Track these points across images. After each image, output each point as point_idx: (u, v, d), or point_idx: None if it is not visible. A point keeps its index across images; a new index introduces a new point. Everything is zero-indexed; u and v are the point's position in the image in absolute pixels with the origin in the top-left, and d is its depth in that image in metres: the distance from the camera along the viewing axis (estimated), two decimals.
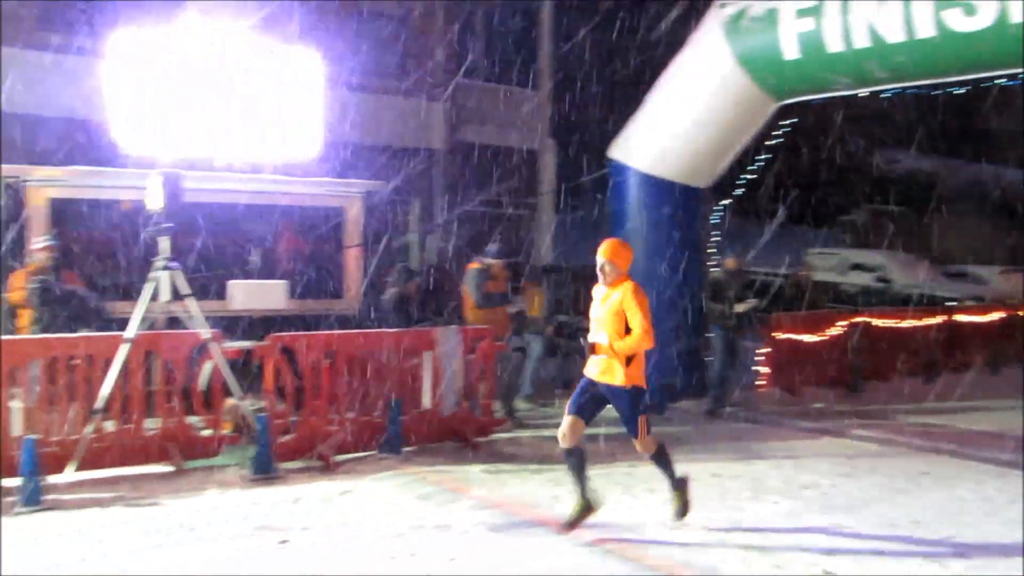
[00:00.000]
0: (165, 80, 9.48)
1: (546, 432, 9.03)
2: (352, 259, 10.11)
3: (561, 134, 18.21)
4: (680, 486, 6.00)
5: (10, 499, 6.21)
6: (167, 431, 7.16)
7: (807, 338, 11.35)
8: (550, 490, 6.82)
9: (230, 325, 8.26)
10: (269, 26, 11.55)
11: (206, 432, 7.39)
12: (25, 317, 8.09)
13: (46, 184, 8.92)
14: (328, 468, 7.31)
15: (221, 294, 8.91)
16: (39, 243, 8.26)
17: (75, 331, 7.57)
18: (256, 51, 10.01)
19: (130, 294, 7.68)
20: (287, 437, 7.41)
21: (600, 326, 5.77)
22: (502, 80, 17.57)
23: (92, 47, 11.11)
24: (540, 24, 18.16)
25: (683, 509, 5.99)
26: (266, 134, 10.16)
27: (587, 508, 5.85)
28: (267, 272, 9.46)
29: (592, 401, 5.84)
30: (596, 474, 7.21)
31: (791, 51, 9.32)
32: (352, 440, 7.67)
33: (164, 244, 7.34)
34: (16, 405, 6.75)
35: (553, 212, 17.99)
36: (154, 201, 7.31)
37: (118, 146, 9.76)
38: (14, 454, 6.38)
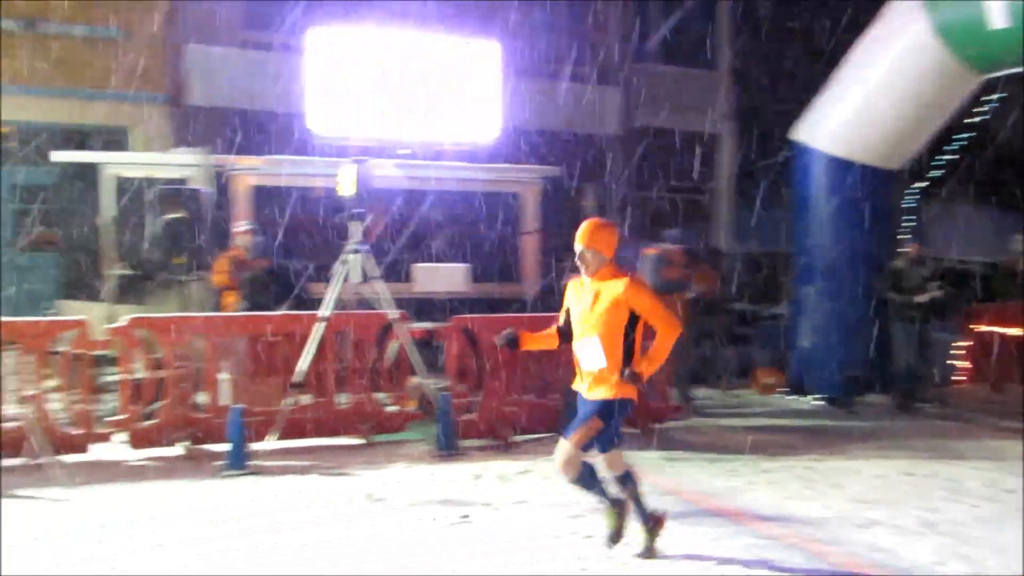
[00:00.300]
0: (355, 73, 10.00)
1: (724, 421, 8.89)
2: (530, 244, 10.27)
3: (741, 116, 17.65)
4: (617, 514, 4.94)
5: (219, 463, 6.77)
6: (357, 406, 7.58)
7: (1014, 331, 10.52)
8: (727, 480, 6.69)
9: (415, 306, 8.59)
10: (450, 17, 11.88)
11: (392, 408, 7.76)
12: (229, 296, 8.72)
13: (248, 172, 9.59)
14: (507, 448, 7.49)
15: (407, 276, 9.29)
16: (241, 227, 8.90)
17: (277, 310, 8.11)
18: (438, 44, 10.36)
19: (324, 276, 8.13)
20: (469, 416, 7.64)
21: (589, 328, 4.68)
22: (680, 62, 17.22)
23: (290, 45, 11.82)
24: (719, 2, 17.66)
25: None
26: (447, 123, 10.51)
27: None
28: (449, 256, 9.77)
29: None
30: (777, 466, 7.05)
31: (998, 20, 8.63)
32: (529, 422, 7.82)
33: (355, 228, 7.73)
34: (224, 377, 7.34)
35: (732, 197, 17.51)
36: (346, 188, 7.71)
37: (312, 136, 10.38)
38: (222, 421, 6.95)
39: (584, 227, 4.75)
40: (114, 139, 13.22)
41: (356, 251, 7.69)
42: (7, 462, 6.51)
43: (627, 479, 4.99)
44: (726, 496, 6.29)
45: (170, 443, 7.08)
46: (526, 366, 7.87)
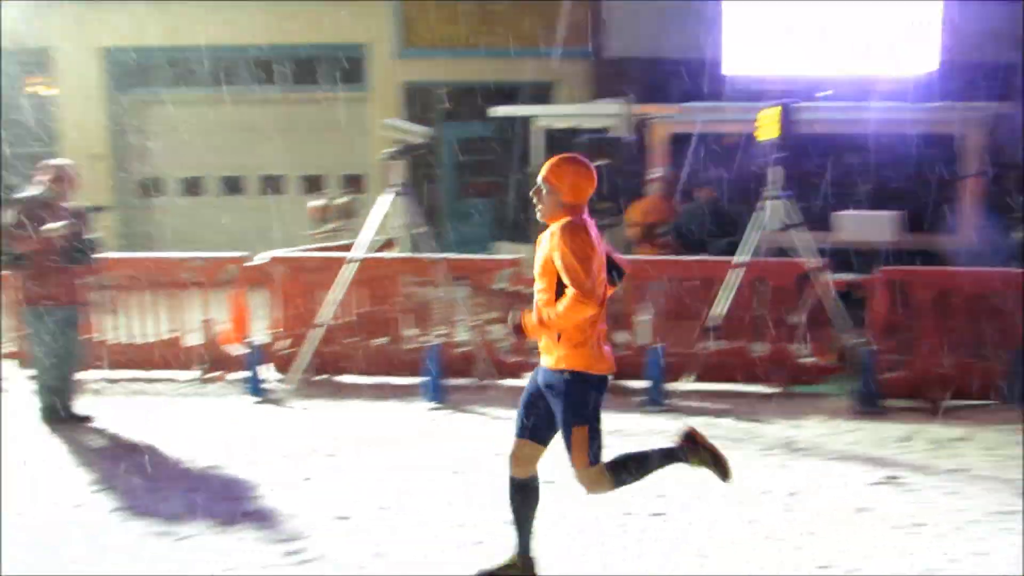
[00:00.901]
0: (775, 14, 9.65)
1: None
2: (969, 190, 9.24)
3: None
4: None
5: (638, 398, 7.09)
6: (772, 354, 7.45)
7: None
8: None
9: (836, 255, 8.19)
10: None
11: (809, 360, 7.51)
12: (642, 249, 8.95)
13: (665, 121, 9.78)
14: (936, 411, 6.90)
15: (827, 224, 8.88)
16: (654, 174, 9.11)
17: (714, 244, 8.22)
18: None
19: (739, 223, 8.03)
20: (893, 374, 7.16)
21: (537, 284, 3.83)
22: None
23: None
24: None
25: None
26: (876, 57, 9.75)
27: (522, 566, 4.02)
28: (875, 203, 9.14)
29: (545, 410, 3.85)
30: None
31: None
32: (964, 386, 7.11)
33: (775, 174, 7.52)
34: (644, 318, 7.64)
35: None
36: (767, 132, 7.52)
37: (727, 81, 10.25)
38: (641, 360, 7.24)
39: (550, 160, 3.89)
40: (541, 93, 14.27)
41: (776, 197, 7.49)
42: (460, 380, 7.41)
43: (526, 488, 3.95)
44: None
45: None
46: (962, 324, 7.14)
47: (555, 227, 3.72)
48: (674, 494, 5.11)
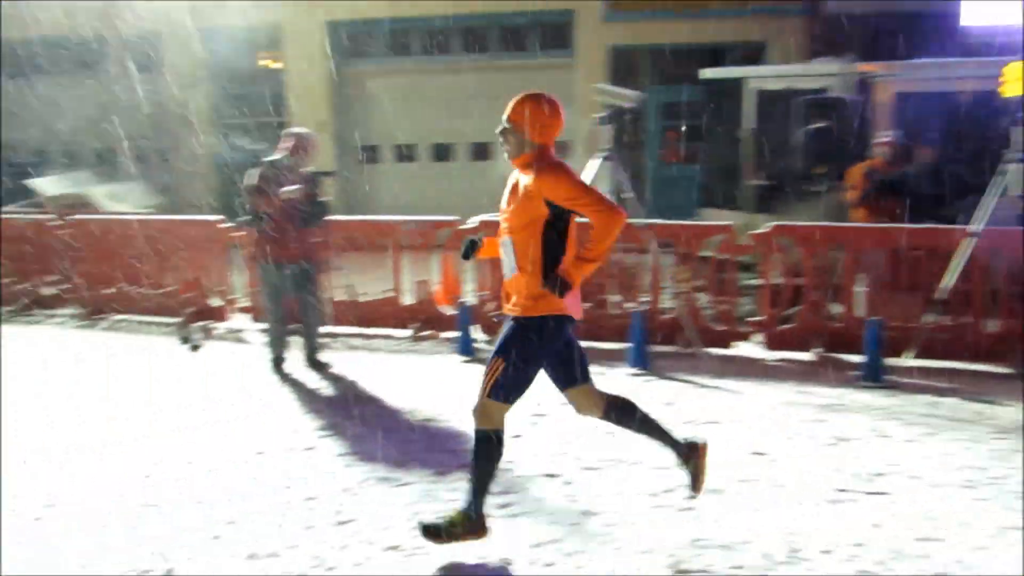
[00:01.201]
0: None
1: None
2: None
3: None
4: (469, 523, 3.93)
5: (852, 372, 6.76)
6: (1007, 332, 6.87)
7: None
8: None
9: None
10: None
11: None
12: (858, 211, 8.44)
13: (893, 78, 9.11)
14: None
15: None
16: (881, 138, 8.54)
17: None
18: None
19: (973, 188, 7.42)
20: None
21: (504, 227, 3.85)
22: None
23: None
24: None
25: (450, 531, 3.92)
26: None
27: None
28: None
29: (566, 355, 3.98)
30: None
31: None
32: None
33: (1018, 135, 6.88)
34: (860, 289, 7.24)
35: None
36: (1013, 88, 6.89)
37: (965, 35, 9.42)
38: (856, 332, 6.88)
39: (515, 98, 3.82)
40: (752, 54, 13.72)
41: (1019, 160, 6.86)
42: (664, 347, 7.37)
43: (623, 415, 4.09)
44: None
45: (804, 348, 7.28)
46: None
47: (529, 179, 3.70)
48: (892, 473, 4.86)
